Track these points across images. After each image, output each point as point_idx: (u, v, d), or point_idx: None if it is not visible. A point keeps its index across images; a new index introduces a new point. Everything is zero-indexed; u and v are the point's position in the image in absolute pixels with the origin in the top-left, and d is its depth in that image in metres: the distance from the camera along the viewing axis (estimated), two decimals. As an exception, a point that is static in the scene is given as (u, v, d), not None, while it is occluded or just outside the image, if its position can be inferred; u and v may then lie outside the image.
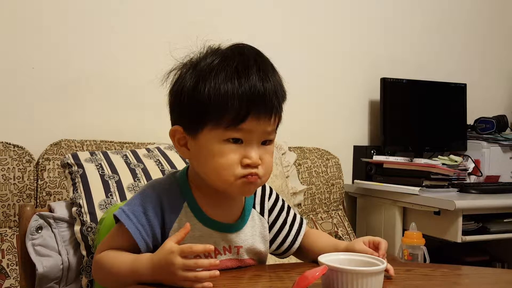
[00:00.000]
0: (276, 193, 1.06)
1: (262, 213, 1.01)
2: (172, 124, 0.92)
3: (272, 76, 0.86)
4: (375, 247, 0.91)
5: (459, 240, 1.95)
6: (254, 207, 0.99)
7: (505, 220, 2.04)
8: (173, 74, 0.93)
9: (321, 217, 2.16)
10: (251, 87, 0.83)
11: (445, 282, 0.89)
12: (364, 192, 2.31)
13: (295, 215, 1.06)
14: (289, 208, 1.07)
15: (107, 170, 1.33)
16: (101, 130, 1.86)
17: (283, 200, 1.06)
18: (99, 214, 1.22)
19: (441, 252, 2.23)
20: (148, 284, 0.79)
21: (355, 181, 2.36)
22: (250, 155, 0.85)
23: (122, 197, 1.26)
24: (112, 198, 1.27)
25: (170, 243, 0.80)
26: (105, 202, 1.25)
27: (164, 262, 0.79)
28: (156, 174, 1.36)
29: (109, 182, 1.30)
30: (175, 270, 0.78)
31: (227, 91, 0.83)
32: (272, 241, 1.03)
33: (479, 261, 2.33)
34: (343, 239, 2.10)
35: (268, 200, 1.03)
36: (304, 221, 1.07)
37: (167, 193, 0.91)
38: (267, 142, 0.88)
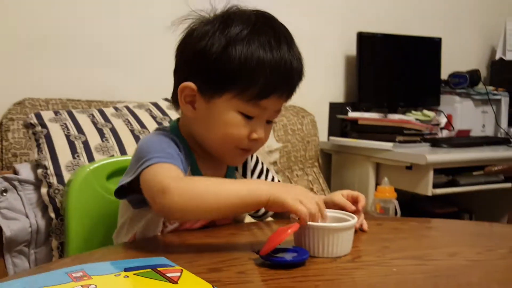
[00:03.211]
0: (257, 156, 1.06)
1: (244, 175, 1.02)
2: (182, 79, 0.88)
3: (299, 55, 0.87)
4: (354, 201, 0.91)
5: (429, 193, 1.98)
6: (236, 170, 1.00)
7: (474, 173, 2.08)
8: (186, 25, 0.89)
9: (296, 174, 2.16)
10: (284, 63, 0.83)
11: (413, 235, 0.90)
12: (339, 149, 2.32)
13: (273, 178, 1.07)
14: (267, 171, 1.07)
15: (73, 130, 1.29)
16: (67, 89, 1.79)
17: (262, 163, 1.06)
18: (66, 176, 1.19)
19: (412, 205, 2.28)
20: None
21: (330, 138, 2.36)
22: (259, 131, 0.86)
23: (90, 158, 1.23)
24: (79, 159, 1.23)
25: None
26: (72, 164, 1.22)
27: (294, 186, 0.79)
28: (125, 134, 1.32)
29: (75, 142, 1.26)
30: (310, 197, 0.76)
31: (260, 60, 0.82)
32: None
33: (448, 212, 2.39)
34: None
35: (250, 162, 1.03)
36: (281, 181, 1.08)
37: (179, 147, 0.89)
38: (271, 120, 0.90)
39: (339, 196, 0.92)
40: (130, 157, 1.11)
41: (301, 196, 0.75)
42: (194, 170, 0.92)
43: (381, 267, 0.71)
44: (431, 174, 1.97)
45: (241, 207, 0.78)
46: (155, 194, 0.76)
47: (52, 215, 1.17)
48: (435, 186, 2.00)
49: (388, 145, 2.08)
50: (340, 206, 0.89)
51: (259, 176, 1.04)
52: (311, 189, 2.13)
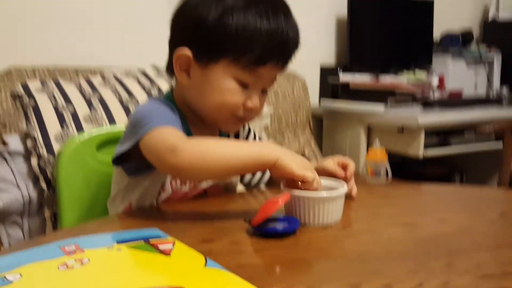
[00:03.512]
0: (249, 126, 1.06)
1: None
2: (177, 45, 0.87)
3: (295, 25, 0.88)
4: (343, 167, 0.92)
5: (420, 156, 2.00)
6: (228, 137, 1.00)
7: (465, 134, 2.09)
8: None
9: (288, 139, 2.16)
10: (280, 32, 0.84)
11: (403, 201, 0.90)
12: (330, 112, 2.31)
13: None
14: (260, 138, 1.07)
15: (61, 101, 1.27)
16: (54, 55, 1.75)
17: (255, 133, 1.06)
18: (56, 146, 1.18)
19: (403, 167, 2.29)
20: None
21: (322, 100, 2.35)
22: (254, 100, 0.87)
23: (79, 128, 1.22)
24: (68, 129, 1.22)
25: None
26: (62, 135, 1.20)
27: (302, 158, 0.79)
28: (113, 103, 1.31)
29: (64, 113, 1.25)
30: (311, 167, 0.78)
31: (257, 27, 0.83)
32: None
33: (440, 173, 2.41)
34: (309, 160, 2.12)
35: (243, 130, 1.03)
36: None
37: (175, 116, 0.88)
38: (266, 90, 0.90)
39: (330, 162, 0.92)
40: (120, 127, 1.11)
41: (305, 165, 0.77)
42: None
43: (371, 234, 0.71)
44: (422, 136, 1.98)
45: (251, 166, 0.78)
46: (164, 154, 0.76)
47: (44, 186, 1.17)
48: (427, 147, 2.01)
49: (379, 108, 2.08)
50: (331, 173, 0.90)
51: None
52: (303, 154, 2.13)
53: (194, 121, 0.92)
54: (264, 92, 0.91)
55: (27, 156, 1.23)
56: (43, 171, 1.18)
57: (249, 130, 1.05)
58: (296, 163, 0.76)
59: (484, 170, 2.41)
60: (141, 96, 1.35)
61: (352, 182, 0.91)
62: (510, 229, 0.74)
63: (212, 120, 0.91)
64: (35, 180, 1.22)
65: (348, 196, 0.90)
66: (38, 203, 1.22)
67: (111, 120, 1.27)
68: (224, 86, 0.85)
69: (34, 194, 1.21)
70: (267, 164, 0.76)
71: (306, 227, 0.74)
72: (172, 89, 0.96)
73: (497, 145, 2.11)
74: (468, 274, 0.55)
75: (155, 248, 0.64)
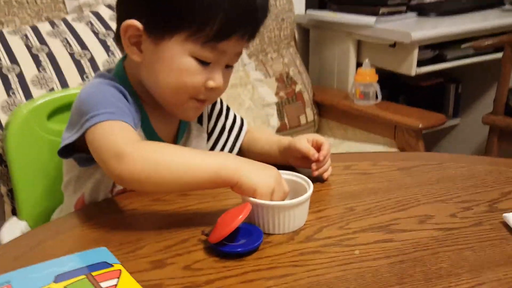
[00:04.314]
0: None
1: (200, 121, 0.91)
2: (126, 15, 0.74)
3: None
4: (318, 148, 0.82)
5: (413, 73, 1.87)
6: None
7: (462, 46, 1.94)
8: None
9: (271, 57, 2.01)
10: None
11: (383, 185, 0.80)
12: (317, 24, 2.13)
13: (235, 117, 0.96)
14: (228, 109, 0.96)
15: (5, 60, 1.12)
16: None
17: (221, 101, 0.94)
18: (3, 118, 1.07)
19: (395, 79, 2.17)
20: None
21: (308, 11, 2.16)
22: (216, 79, 0.75)
23: (27, 94, 1.09)
24: (15, 96, 1.09)
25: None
26: (8, 103, 1.08)
27: (268, 168, 0.68)
28: (64, 59, 1.15)
29: (9, 76, 1.10)
30: (275, 181, 0.67)
31: None
32: (211, 150, 0.94)
33: (434, 84, 2.30)
34: (294, 80, 2.00)
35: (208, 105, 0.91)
36: (245, 122, 0.97)
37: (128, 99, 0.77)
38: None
39: (304, 141, 0.82)
40: (72, 91, 1.00)
41: (272, 182, 0.67)
42: (145, 124, 0.81)
43: (342, 248, 0.64)
44: (415, 52, 1.83)
45: (206, 184, 0.67)
46: (107, 159, 0.66)
47: (-5, 161, 1.07)
48: (420, 63, 1.88)
49: (370, 20, 1.90)
50: (303, 153, 0.81)
51: (217, 118, 0.93)
52: (287, 74, 2.00)
53: (150, 102, 0.81)
54: (228, 67, 0.78)
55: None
56: (-8, 144, 1.08)
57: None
58: (262, 184, 0.66)
59: (481, 79, 2.29)
60: (95, 47, 1.19)
61: (328, 163, 0.82)
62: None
63: (169, 105, 0.79)
64: (-14, 154, 1.12)
65: (320, 179, 0.82)
66: (-8, 179, 1.13)
67: (62, 81, 1.13)
68: (180, 65, 0.73)
69: (-14, 170, 1.11)
70: (226, 184, 0.67)
71: (271, 238, 0.67)
72: (125, 58, 0.82)
73: (497, 55, 1.96)
74: None
75: (96, 287, 0.58)
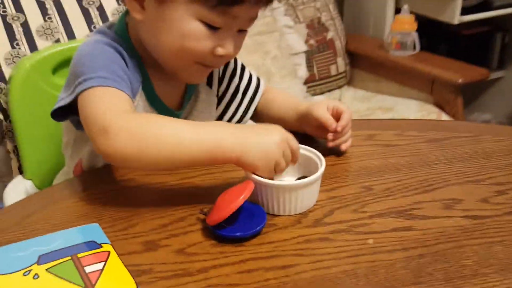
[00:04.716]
0: None
1: (210, 83, 0.83)
2: None
3: None
4: (338, 116, 0.73)
5: (455, 21, 1.72)
6: None
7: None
8: None
9: (302, 1, 1.88)
10: None
11: (407, 159, 0.71)
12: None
13: (250, 78, 0.87)
14: (243, 69, 0.86)
15: (10, 8, 1.05)
16: None
17: (235, 59, 0.85)
18: (7, 71, 1.02)
19: (436, 28, 2.01)
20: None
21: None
22: (227, 46, 0.67)
23: (32, 46, 1.03)
24: (20, 48, 1.03)
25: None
26: (12, 55, 1.02)
27: (270, 132, 0.61)
28: (72, 8, 1.07)
29: (13, 25, 1.04)
30: (282, 139, 0.60)
31: None
32: (222, 115, 0.86)
33: (479, 33, 2.11)
34: (326, 27, 1.87)
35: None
36: (262, 83, 0.88)
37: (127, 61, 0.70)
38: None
39: (323, 109, 0.74)
40: (78, 44, 0.93)
41: (276, 155, 0.59)
42: (146, 88, 0.74)
43: (354, 236, 0.57)
44: (459, -1, 1.67)
45: (201, 162, 0.61)
46: (94, 134, 0.61)
47: (0, 116, 1.03)
48: (464, 11, 1.72)
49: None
50: (320, 123, 0.73)
51: (230, 80, 0.84)
52: (319, 20, 1.86)
53: (153, 63, 0.73)
54: (241, 31, 0.69)
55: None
56: (-4, 100, 1.03)
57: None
58: (264, 161, 0.59)
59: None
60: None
61: (347, 134, 0.73)
62: None
63: (171, 68, 0.72)
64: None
65: (337, 151, 0.74)
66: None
67: (69, 31, 1.06)
68: (186, 29, 0.65)
69: (-9, 126, 1.07)
70: (224, 162, 0.60)
71: (275, 220, 0.61)
72: (127, 13, 0.74)
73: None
74: None
75: (80, 272, 0.54)
